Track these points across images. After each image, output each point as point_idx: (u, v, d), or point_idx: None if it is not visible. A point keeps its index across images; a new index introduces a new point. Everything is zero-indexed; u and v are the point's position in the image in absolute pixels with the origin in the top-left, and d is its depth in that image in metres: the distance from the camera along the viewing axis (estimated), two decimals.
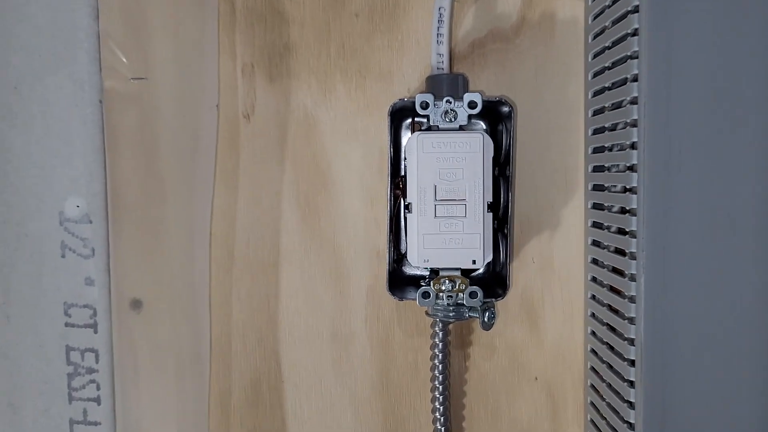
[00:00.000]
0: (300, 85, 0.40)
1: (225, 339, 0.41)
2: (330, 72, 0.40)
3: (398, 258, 0.38)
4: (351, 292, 0.40)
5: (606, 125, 0.35)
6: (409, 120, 0.38)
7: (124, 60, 0.39)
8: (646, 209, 0.30)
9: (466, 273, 0.36)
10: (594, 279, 0.38)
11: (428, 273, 0.37)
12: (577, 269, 0.39)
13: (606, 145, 0.35)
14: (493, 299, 0.37)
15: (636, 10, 0.31)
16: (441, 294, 0.36)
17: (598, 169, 0.37)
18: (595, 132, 0.37)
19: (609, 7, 0.34)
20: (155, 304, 0.41)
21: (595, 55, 0.37)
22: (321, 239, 0.40)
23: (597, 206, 0.37)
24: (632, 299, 0.32)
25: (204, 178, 0.40)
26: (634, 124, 0.31)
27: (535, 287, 0.40)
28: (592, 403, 0.38)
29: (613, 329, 0.34)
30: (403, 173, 0.37)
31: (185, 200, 0.40)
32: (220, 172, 0.40)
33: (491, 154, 0.35)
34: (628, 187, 0.32)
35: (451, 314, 0.36)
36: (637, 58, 0.31)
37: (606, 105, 0.35)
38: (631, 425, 0.32)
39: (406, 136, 0.38)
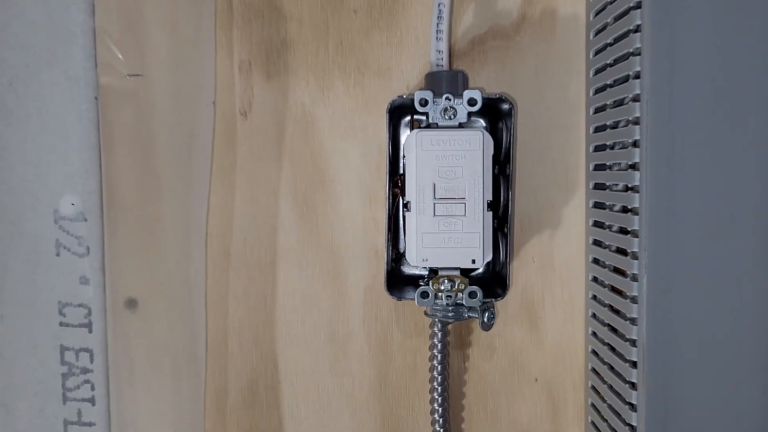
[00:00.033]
0: (298, 82, 0.40)
1: (221, 338, 0.41)
2: (328, 69, 0.39)
3: (397, 257, 0.38)
4: (349, 292, 0.40)
5: (607, 123, 0.34)
6: (408, 117, 0.38)
7: (120, 56, 0.39)
8: (649, 208, 0.30)
9: (465, 272, 0.36)
10: (595, 279, 0.38)
11: (427, 272, 0.37)
12: (578, 269, 0.39)
13: (607, 143, 0.35)
14: (493, 299, 0.37)
15: (638, 6, 0.30)
16: (440, 294, 0.36)
17: (599, 167, 0.36)
18: (597, 130, 0.37)
19: (610, 3, 0.34)
20: (151, 303, 0.40)
21: (597, 52, 0.36)
22: (319, 238, 0.40)
23: (598, 205, 0.37)
24: (634, 299, 0.31)
25: (200, 176, 0.40)
26: (636, 122, 0.31)
27: (535, 287, 0.39)
28: (593, 405, 0.38)
29: (614, 330, 0.34)
30: (401, 171, 0.37)
31: (181, 198, 0.40)
32: (217, 169, 0.40)
33: (491, 152, 0.35)
34: (629, 185, 0.31)
35: (450, 314, 0.36)
36: (639, 54, 0.30)
37: (607, 102, 0.34)
38: (632, 428, 0.32)
39: (405, 134, 0.38)
